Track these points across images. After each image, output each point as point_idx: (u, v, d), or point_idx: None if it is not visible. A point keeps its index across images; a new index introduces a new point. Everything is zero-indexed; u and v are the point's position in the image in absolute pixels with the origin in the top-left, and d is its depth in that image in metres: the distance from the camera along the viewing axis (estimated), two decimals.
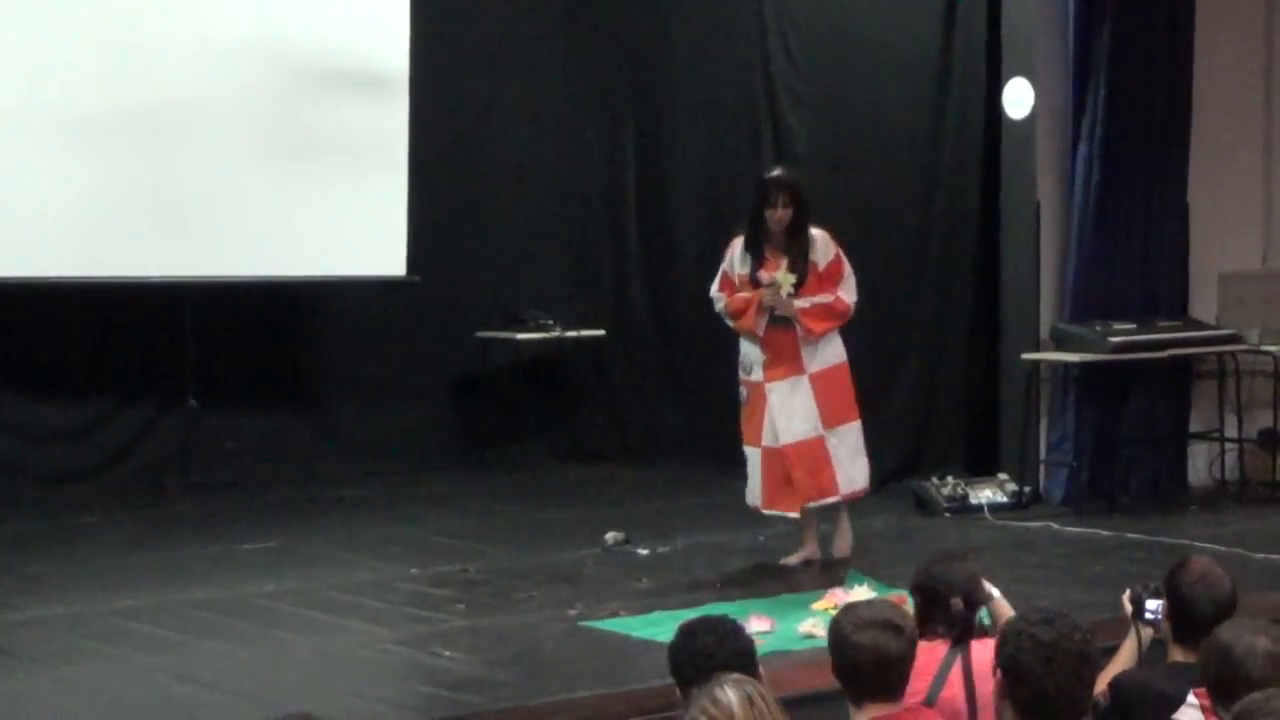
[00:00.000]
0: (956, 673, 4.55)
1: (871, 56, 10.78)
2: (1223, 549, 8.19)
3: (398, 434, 11.36)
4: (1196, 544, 8.38)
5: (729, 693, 3.45)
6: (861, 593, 7.05)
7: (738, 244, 8.23)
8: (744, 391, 8.28)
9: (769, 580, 7.94)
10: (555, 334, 11.46)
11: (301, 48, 10.57)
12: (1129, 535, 8.96)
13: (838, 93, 10.97)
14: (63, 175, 9.87)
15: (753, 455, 8.24)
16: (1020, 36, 10.03)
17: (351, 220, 10.69)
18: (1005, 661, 3.83)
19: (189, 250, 10.22)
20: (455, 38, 11.49)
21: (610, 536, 8.75)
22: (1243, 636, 4.10)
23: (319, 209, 10.60)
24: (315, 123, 10.58)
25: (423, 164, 10.96)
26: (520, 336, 11.45)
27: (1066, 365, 9.85)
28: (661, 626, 6.60)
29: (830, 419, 8.15)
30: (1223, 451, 10.45)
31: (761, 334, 8.15)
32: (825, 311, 8.13)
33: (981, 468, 10.10)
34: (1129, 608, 4.95)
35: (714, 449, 10.15)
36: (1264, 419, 10.34)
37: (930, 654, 4.48)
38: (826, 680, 4.37)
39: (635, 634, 6.86)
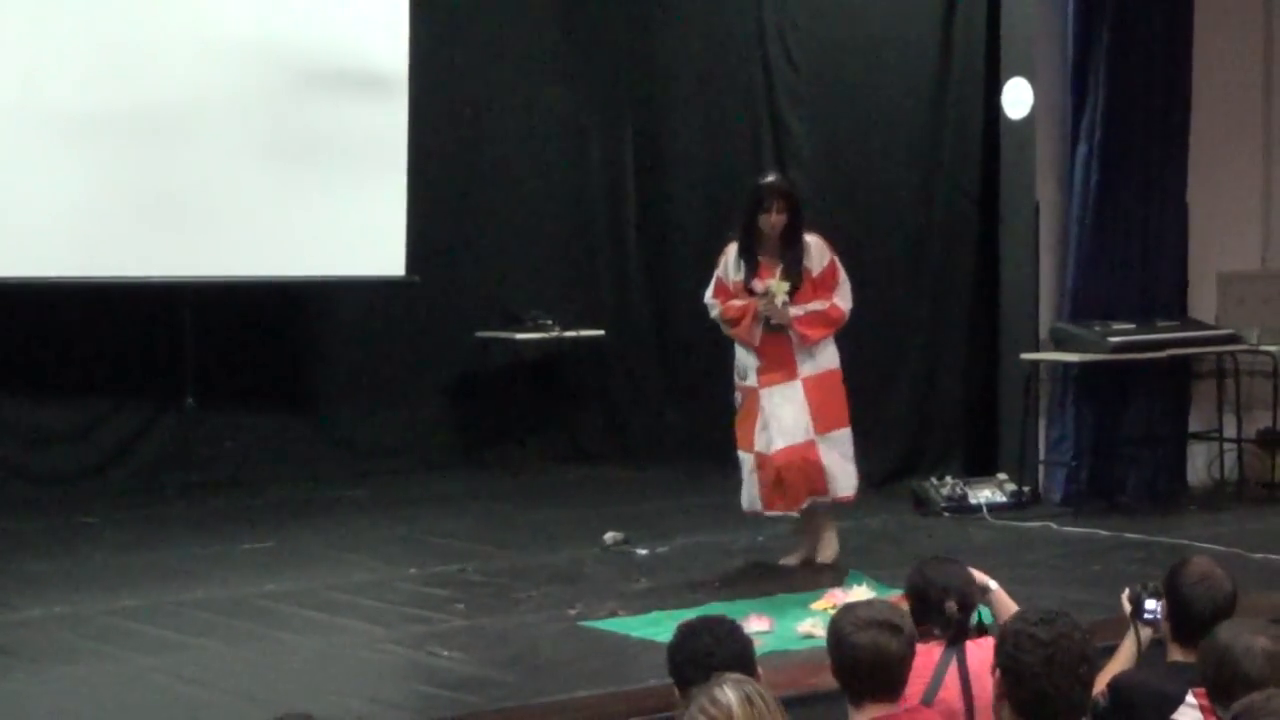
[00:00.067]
0: (952, 674, 4.55)
1: (871, 57, 10.79)
2: (1221, 549, 8.19)
3: (397, 434, 11.38)
4: (1196, 544, 8.38)
5: (728, 692, 3.44)
6: (861, 593, 7.05)
7: (732, 250, 8.22)
8: (739, 396, 8.29)
9: (768, 580, 7.94)
10: (554, 334, 11.46)
11: (301, 48, 10.57)
12: (1128, 535, 8.95)
13: (838, 93, 10.97)
14: (62, 175, 9.87)
15: (746, 460, 8.25)
16: (1019, 36, 10.03)
17: (351, 220, 10.70)
18: (1004, 661, 3.83)
19: (188, 250, 10.22)
20: (455, 38, 11.50)
21: (609, 537, 8.76)
22: (1242, 636, 4.10)
23: (319, 209, 10.60)
24: (315, 123, 10.59)
25: (423, 164, 10.97)
26: (519, 336, 11.44)
27: (1066, 365, 9.85)
28: (660, 626, 6.61)
29: (822, 424, 8.14)
30: (1221, 451, 10.46)
31: (757, 344, 8.16)
32: (820, 319, 8.13)
33: (980, 468, 10.10)
34: (1128, 607, 4.95)
35: (713, 449, 10.14)
36: (1263, 419, 10.35)
37: (925, 656, 4.48)
38: (826, 680, 4.38)
39: (634, 634, 6.86)
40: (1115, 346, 9.68)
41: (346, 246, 10.71)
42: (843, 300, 8.18)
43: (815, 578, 7.95)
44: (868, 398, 9.07)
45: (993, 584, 5.09)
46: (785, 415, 8.10)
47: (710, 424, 9.83)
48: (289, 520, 9.61)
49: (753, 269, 8.15)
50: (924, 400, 10.62)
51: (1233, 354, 10.30)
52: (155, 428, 10.63)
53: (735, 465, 8.37)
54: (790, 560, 8.29)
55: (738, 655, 4.08)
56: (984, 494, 9.71)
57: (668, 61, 11.93)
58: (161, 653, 6.73)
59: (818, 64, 11.08)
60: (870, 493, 9.50)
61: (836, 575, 7.90)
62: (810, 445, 8.12)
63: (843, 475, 8.20)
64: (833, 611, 5.15)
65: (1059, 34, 9.98)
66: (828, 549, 8.29)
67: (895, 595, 6.09)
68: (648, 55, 12.02)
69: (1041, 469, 10.01)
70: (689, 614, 4.92)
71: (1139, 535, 8.93)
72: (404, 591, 7.89)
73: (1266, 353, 10.20)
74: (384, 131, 10.78)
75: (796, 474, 8.09)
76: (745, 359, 8.25)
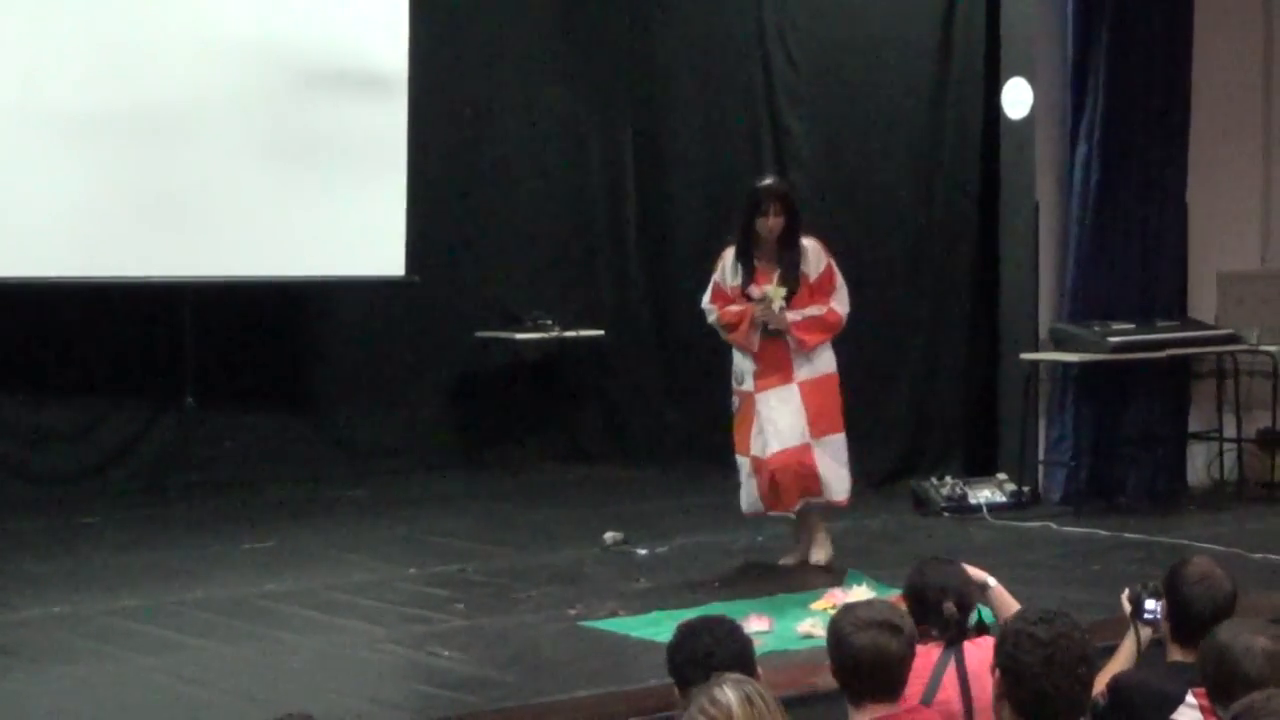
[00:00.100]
0: (951, 675, 4.55)
1: (871, 56, 10.79)
2: (1221, 549, 8.19)
3: (397, 434, 11.38)
4: (1196, 544, 8.38)
5: (728, 692, 3.44)
6: (860, 593, 7.05)
7: (729, 254, 8.21)
8: (736, 400, 8.30)
9: (767, 580, 7.94)
10: (554, 334, 11.46)
11: (301, 48, 10.57)
12: (1127, 535, 8.96)
13: (838, 93, 10.98)
14: (62, 175, 9.87)
15: (744, 464, 8.26)
16: (1019, 36, 10.04)
17: (351, 220, 10.69)
18: (1004, 661, 3.83)
19: (188, 250, 10.22)
20: (455, 38, 11.50)
21: (609, 537, 8.76)
22: (1241, 636, 4.10)
23: (318, 209, 10.60)
24: (315, 123, 10.59)
25: (422, 164, 10.97)
26: (519, 336, 11.44)
27: (1065, 365, 9.85)
28: (660, 626, 6.60)
29: (817, 428, 8.13)
30: (1221, 451, 10.46)
31: (755, 350, 8.16)
32: (817, 324, 8.12)
33: (980, 467, 10.10)
34: (1128, 607, 4.95)
35: (713, 449, 10.13)
36: (1262, 419, 10.35)
37: (924, 657, 4.48)
38: (826, 680, 4.38)
39: (634, 634, 6.86)
40: (1115, 346, 9.68)
41: (346, 246, 10.71)
42: (840, 305, 8.17)
43: (815, 578, 7.95)
44: (867, 398, 9.08)
45: (991, 581, 5.09)
46: (781, 418, 8.10)
47: (710, 424, 9.83)
48: (289, 520, 9.61)
49: (750, 273, 8.14)
50: (924, 400, 10.62)
51: (1232, 354, 10.31)
52: (155, 428, 10.62)
53: (735, 465, 8.38)
54: (789, 560, 8.29)
55: (738, 655, 4.09)
56: (984, 494, 9.72)
57: (668, 61, 11.92)
58: (161, 653, 6.73)
59: (818, 64, 11.08)
60: (870, 493, 9.52)
61: (836, 575, 7.90)
62: (805, 449, 8.11)
63: (836, 480, 8.20)
64: (832, 611, 5.15)
65: (1059, 34, 9.99)
66: (821, 551, 8.29)
67: (895, 595, 6.11)
68: (648, 55, 12.02)
69: (1041, 469, 10.01)
70: (689, 614, 4.93)
71: (1139, 535, 8.94)
72: (404, 591, 7.89)
73: (1266, 353, 10.20)
74: (384, 131, 10.78)
75: (790, 477, 8.10)
76: (742, 364, 8.26)
